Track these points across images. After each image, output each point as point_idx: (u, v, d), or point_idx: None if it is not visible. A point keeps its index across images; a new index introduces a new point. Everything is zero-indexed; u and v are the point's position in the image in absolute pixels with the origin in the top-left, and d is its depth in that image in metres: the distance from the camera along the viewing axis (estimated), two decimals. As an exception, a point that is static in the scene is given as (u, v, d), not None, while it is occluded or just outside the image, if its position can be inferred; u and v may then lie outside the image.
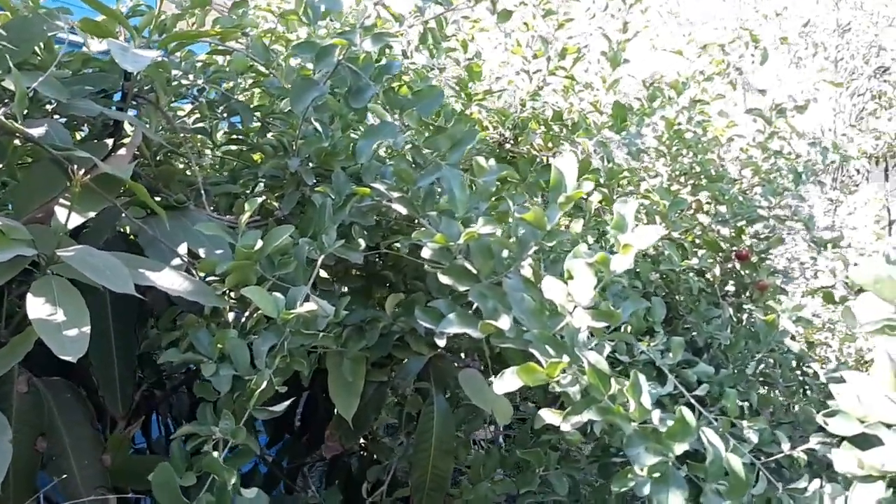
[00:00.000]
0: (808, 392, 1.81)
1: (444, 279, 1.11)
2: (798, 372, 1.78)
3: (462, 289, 1.11)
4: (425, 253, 1.14)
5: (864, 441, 0.97)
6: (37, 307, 0.91)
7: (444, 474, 1.31)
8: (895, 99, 6.13)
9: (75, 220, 1.03)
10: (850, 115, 5.94)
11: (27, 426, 1.10)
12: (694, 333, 1.70)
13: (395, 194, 1.22)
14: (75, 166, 0.94)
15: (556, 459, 1.30)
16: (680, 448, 0.91)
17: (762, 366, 1.66)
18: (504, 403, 1.31)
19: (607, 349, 1.04)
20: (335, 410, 1.59)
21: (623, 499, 1.28)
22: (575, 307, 1.02)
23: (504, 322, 1.00)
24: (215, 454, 0.92)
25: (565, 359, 0.95)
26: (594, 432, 1.32)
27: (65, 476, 1.11)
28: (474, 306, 1.15)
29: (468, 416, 1.43)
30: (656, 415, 0.96)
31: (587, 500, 1.34)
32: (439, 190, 1.26)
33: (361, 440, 2.03)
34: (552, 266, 1.31)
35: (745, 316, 1.97)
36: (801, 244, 1.77)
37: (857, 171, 5.63)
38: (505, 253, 1.15)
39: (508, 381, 0.98)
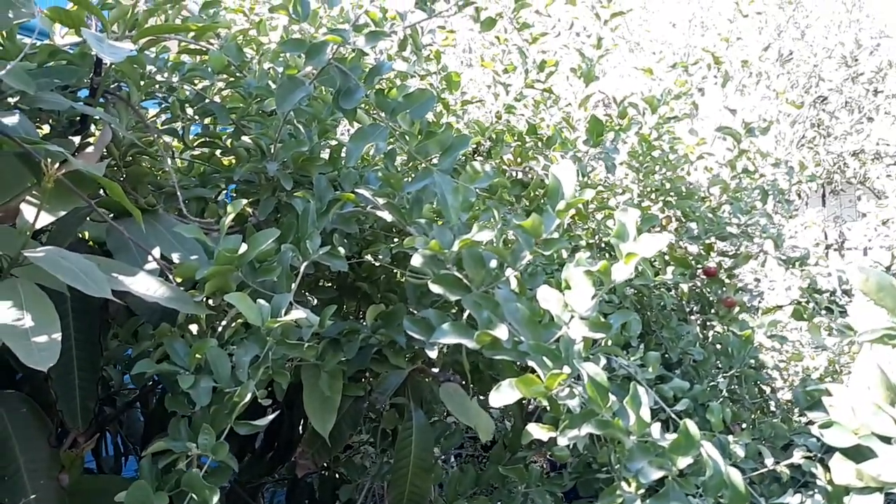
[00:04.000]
0: (772, 408, 1.84)
1: (435, 288, 1.07)
2: (759, 389, 1.81)
3: (453, 298, 1.07)
4: (415, 261, 1.10)
5: (857, 453, 0.97)
6: (1, 312, 0.83)
7: (422, 492, 1.27)
8: (832, 127, 6.41)
9: (44, 220, 0.95)
10: (792, 142, 6.17)
11: (-21, 443, 1.01)
12: (665, 349, 1.70)
13: (382, 200, 1.18)
14: (48, 160, 0.87)
15: (537, 476, 1.27)
16: (683, 462, 0.89)
17: (732, 381, 1.67)
18: (486, 419, 1.27)
19: (603, 361, 1.02)
20: (305, 427, 1.54)
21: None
22: (571, 318, 1.00)
23: (502, 332, 0.96)
24: (195, 471, 0.86)
25: (566, 370, 0.92)
26: (577, 448, 1.30)
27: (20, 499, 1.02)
28: (464, 316, 1.12)
29: (445, 433, 1.39)
30: (656, 428, 0.94)
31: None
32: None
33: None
34: (530, 279, 1.28)
35: (710, 333, 1.99)
36: (770, 261, 1.80)
37: (798, 195, 5.85)
38: (494, 263, 1.12)
39: (506, 393, 0.94)
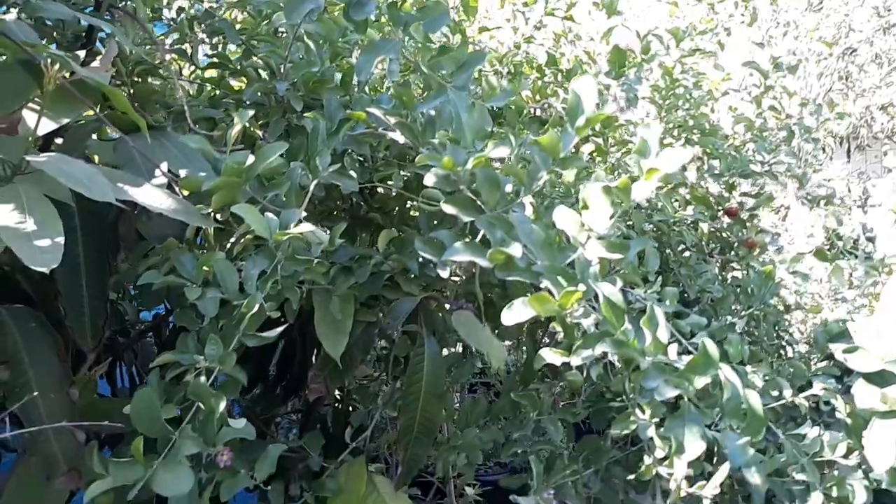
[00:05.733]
0: (790, 350, 1.80)
1: (448, 208, 1.04)
2: (777, 333, 1.78)
3: (466, 219, 1.04)
4: (428, 180, 1.06)
5: (881, 380, 0.94)
6: (3, 214, 0.81)
7: (433, 419, 1.26)
8: (861, 81, 6.22)
9: (46, 126, 0.93)
10: (818, 95, 6.01)
11: (-13, 354, 1.00)
12: (684, 287, 1.67)
13: (394, 120, 1.14)
14: (48, 60, 0.84)
15: (549, 405, 1.26)
16: (700, 382, 0.87)
17: (750, 322, 1.64)
18: (499, 346, 1.26)
19: (619, 283, 0.99)
20: (316, 355, 1.53)
21: (618, 444, 1.25)
22: (588, 238, 0.97)
23: (516, 249, 0.93)
24: (202, 379, 0.84)
25: (581, 288, 0.89)
26: (591, 376, 1.28)
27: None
28: (477, 238, 1.09)
29: (457, 362, 1.38)
30: (673, 349, 0.92)
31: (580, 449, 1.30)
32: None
33: (337, 393, 1.97)
34: (546, 213, 1.25)
35: (730, 274, 1.95)
36: (793, 207, 1.75)
37: (823, 150, 5.71)
38: (509, 188, 1.09)
39: (518, 311, 0.92)
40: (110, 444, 1.39)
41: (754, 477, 0.88)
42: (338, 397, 1.93)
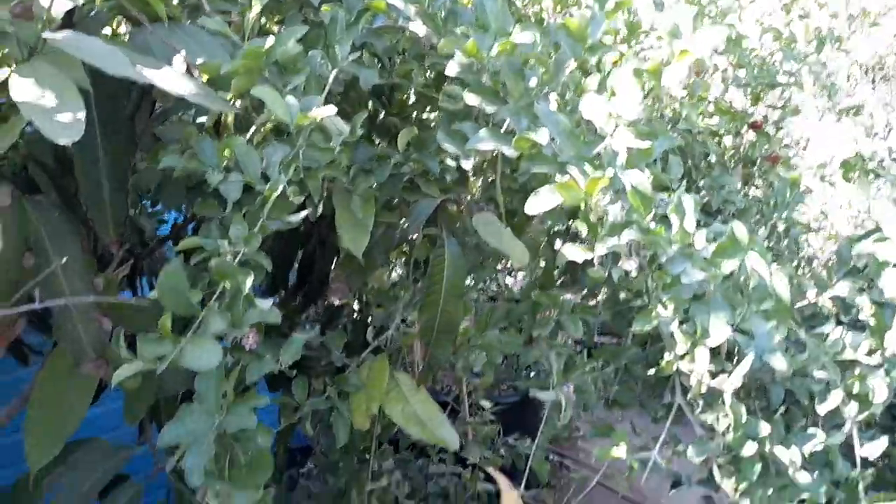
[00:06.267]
0: (813, 265, 1.79)
1: (471, 98, 1.02)
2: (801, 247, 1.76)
3: (490, 109, 1.02)
4: (450, 69, 1.04)
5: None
6: (23, 90, 0.80)
7: (454, 319, 1.26)
8: (893, 8, 6.00)
9: (61, 5, 0.90)
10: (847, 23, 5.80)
11: (12, 240, 1.01)
12: (706, 198, 1.65)
13: (414, 9, 1.11)
14: (61, -71, 0.81)
15: (570, 305, 1.26)
16: (728, 266, 0.86)
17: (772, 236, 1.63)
18: (520, 247, 1.25)
19: (647, 172, 0.97)
20: (336, 262, 1.53)
21: (640, 342, 1.25)
22: (616, 127, 0.95)
23: (542, 136, 0.92)
24: (227, 258, 0.84)
25: (609, 173, 0.88)
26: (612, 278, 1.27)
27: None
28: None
29: (477, 264, 1.38)
30: (700, 237, 0.91)
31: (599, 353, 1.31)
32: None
33: (356, 305, 1.99)
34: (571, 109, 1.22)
35: (751, 191, 1.93)
36: (817, 114, 1.70)
37: (847, 78, 5.56)
38: (534, 82, 1.06)
39: (545, 198, 0.91)
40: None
41: (780, 362, 0.88)
42: (356, 309, 1.95)
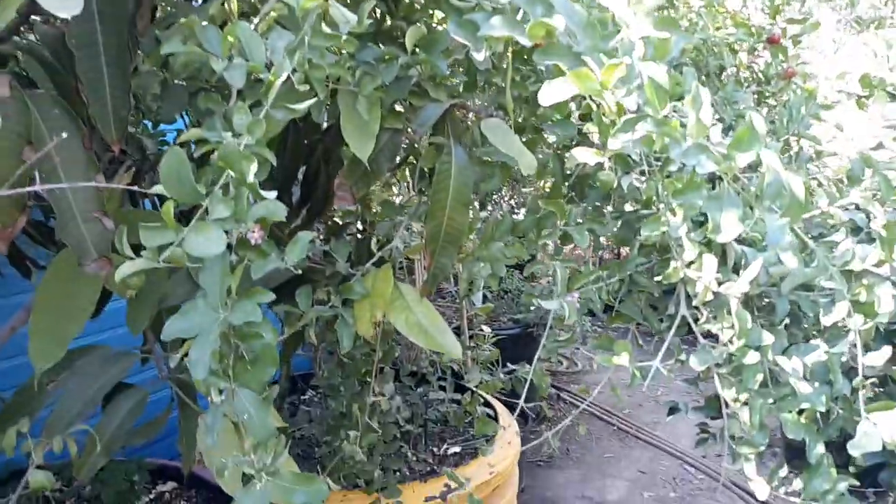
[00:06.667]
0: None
1: (481, -14, 0.98)
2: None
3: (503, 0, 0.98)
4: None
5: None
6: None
7: (459, 227, 1.25)
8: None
9: None
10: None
11: (12, 133, 0.98)
12: (719, 114, 1.62)
13: None
14: None
15: (577, 214, 1.24)
16: (743, 159, 0.84)
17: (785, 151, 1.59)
18: (529, 155, 1.22)
19: (664, 66, 0.94)
20: (341, 171, 1.51)
21: (646, 254, 1.24)
22: (635, 14, 0.91)
23: (559, 21, 0.88)
24: (230, 141, 0.82)
25: (626, 60, 0.85)
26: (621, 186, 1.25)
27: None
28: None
29: (484, 175, 1.35)
30: (716, 132, 0.88)
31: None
32: None
33: (359, 224, 1.98)
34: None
35: (765, 110, 1.89)
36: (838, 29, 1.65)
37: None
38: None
39: (558, 88, 0.88)
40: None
41: (791, 260, 0.87)
42: (360, 228, 1.94)
